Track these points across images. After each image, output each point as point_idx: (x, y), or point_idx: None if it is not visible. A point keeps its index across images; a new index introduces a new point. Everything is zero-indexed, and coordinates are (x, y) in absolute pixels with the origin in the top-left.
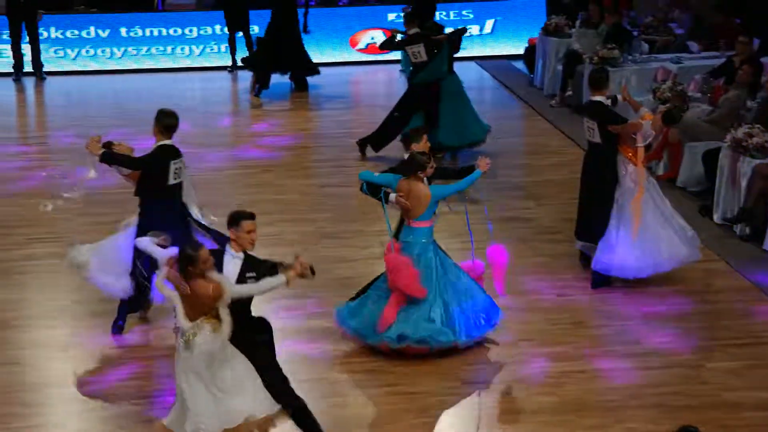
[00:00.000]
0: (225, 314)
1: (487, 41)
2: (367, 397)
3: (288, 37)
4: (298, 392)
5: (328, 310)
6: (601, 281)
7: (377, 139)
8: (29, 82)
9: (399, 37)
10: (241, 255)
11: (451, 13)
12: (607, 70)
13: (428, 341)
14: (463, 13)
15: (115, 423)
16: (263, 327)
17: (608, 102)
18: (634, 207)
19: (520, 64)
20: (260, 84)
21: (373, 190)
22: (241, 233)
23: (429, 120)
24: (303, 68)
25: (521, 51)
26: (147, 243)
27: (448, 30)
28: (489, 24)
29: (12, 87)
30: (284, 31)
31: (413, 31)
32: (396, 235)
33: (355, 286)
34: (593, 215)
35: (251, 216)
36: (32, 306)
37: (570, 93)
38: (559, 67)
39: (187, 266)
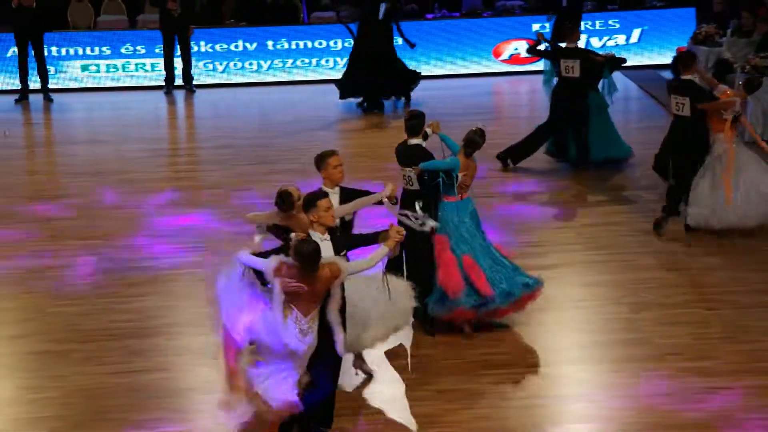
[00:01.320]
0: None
1: (633, 51)
2: (511, 408)
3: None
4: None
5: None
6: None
7: (518, 152)
8: (179, 95)
9: (544, 46)
10: (327, 236)
11: (597, 23)
12: (695, 52)
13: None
14: (610, 22)
15: (260, 430)
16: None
17: (696, 79)
18: (726, 175)
19: (667, 74)
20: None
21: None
22: (320, 213)
23: (579, 138)
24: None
25: (669, 60)
26: (247, 257)
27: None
28: (636, 33)
29: (164, 100)
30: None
31: (572, 45)
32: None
33: None
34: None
35: (324, 194)
36: (180, 313)
37: None
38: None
39: (310, 263)
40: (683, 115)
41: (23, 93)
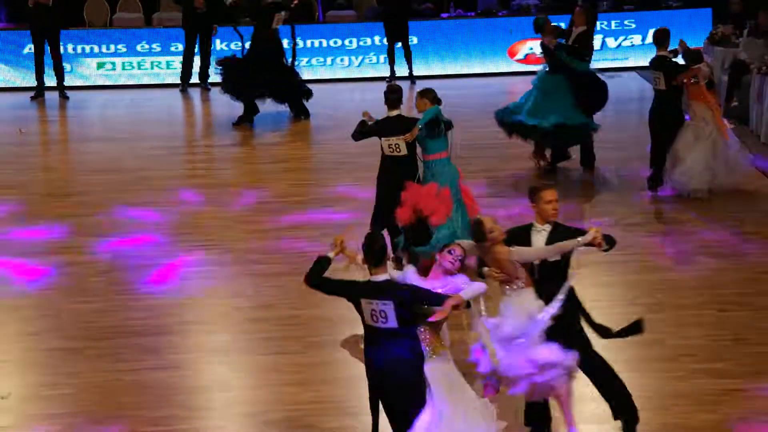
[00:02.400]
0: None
1: (649, 51)
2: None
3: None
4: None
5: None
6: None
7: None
8: (195, 93)
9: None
10: (547, 227)
11: (613, 23)
12: (668, 29)
13: None
14: (626, 22)
15: (274, 427)
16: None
17: (671, 56)
18: (719, 132)
19: None
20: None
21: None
22: (541, 205)
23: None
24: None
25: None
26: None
27: None
28: (652, 33)
29: (179, 97)
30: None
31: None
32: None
33: None
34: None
35: (549, 186)
36: (193, 311)
37: (736, 103)
38: (725, 77)
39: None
40: (660, 89)
41: (39, 90)
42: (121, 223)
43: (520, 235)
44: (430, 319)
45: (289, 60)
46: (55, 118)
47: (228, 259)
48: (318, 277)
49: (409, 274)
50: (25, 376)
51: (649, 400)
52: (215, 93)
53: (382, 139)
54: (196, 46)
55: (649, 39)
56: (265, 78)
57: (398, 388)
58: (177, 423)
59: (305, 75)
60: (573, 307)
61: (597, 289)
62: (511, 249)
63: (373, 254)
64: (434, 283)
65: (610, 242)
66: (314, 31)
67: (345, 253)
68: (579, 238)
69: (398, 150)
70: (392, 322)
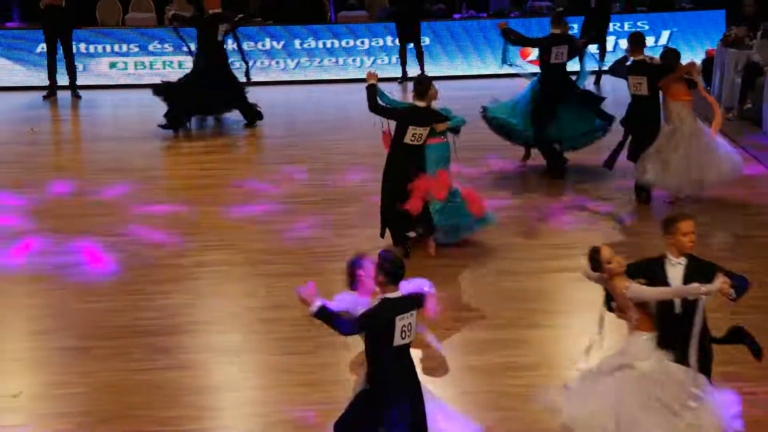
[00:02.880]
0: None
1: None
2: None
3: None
4: (463, 402)
5: (494, 322)
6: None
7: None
8: None
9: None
10: (683, 260)
11: (626, 24)
12: (642, 33)
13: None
14: (639, 24)
15: (284, 428)
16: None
17: (648, 59)
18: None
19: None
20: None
21: None
22: (678, 237)
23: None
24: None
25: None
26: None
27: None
28: (665, 35)
29: None
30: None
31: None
32: None
33: (522, 300)
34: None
35: (687, 217)
36: (204, 311)
37: (750, 105)
38: (738, 80)
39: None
40: (641, 94)
41: (51, 89)
42: (131, 223)
43: (651, 269)
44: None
45: (243, 75)
46: (67, 117)
47: (239, 259)
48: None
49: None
50: (35, 375)
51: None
52: None
53: (409, 127)
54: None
55: (663, 40)
56: (211, 96)
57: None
58: (187, 423)
59: (318, 75)
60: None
61: None
62: (629, 285)
63: (397, 273)
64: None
65: (738, 291)
66: (326, 31)
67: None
68: (703, 288)
69: (419, 140)
70: (414, 335)
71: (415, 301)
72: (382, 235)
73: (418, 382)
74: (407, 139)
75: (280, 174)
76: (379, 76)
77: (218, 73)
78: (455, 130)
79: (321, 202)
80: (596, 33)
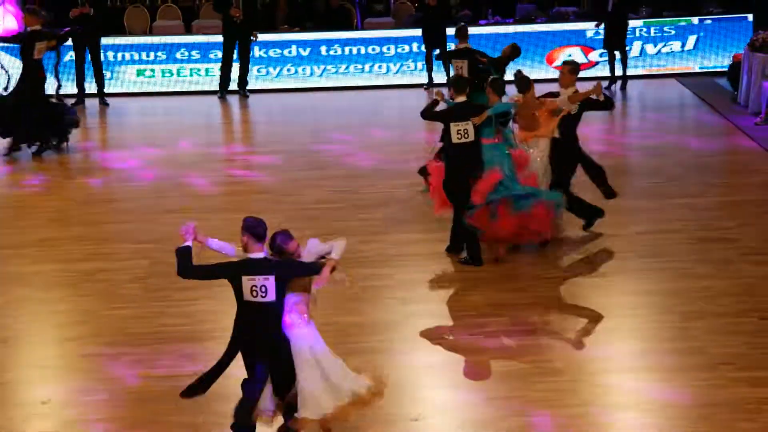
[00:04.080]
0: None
1: (689, 57)
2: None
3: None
4: (489, 408)
5: (520, 328)
6: None
7: None
8: (233, 100)
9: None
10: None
11: (652, 30)
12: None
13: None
14: (665, 29)
15: None
16: None
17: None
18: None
19: (723, 81)
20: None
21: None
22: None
23: None
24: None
25: (725, 68)
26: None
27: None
28: (691, 40)
29: (217, 104)
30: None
31: (463, 46)
32: None
33: (548, 306)
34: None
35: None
36: (231, 318)
37: None
38: (766, 84)
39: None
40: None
41: (80, 97)
42: (159, 230)
43: None
44: (315, 286)
45: (55, 92)
46: (95, 125)
47: None
48: (188, 267)
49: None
50: (63, 381)
51: (688, 409)
52: (254, 100)
53: (451, 125)
54: (235, 53)
55: (689, 45)
56: (29, 115)
57: (277, 352)
58: (215, 430)
59: (343, 82)
60: None
61: (635, 297)
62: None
63: (258, 232)
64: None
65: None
66: (352, 38)
67: (197, 239)
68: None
69: (467, 136)
70: (271, 296)
71: (278, 266)
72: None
73: (280, 345)
74: (455, 139)
75: (305, 180)
76: (404, 83)
77: (35, 95)
78: (503, 121)
79: (347, 209)
80: (615, 39)
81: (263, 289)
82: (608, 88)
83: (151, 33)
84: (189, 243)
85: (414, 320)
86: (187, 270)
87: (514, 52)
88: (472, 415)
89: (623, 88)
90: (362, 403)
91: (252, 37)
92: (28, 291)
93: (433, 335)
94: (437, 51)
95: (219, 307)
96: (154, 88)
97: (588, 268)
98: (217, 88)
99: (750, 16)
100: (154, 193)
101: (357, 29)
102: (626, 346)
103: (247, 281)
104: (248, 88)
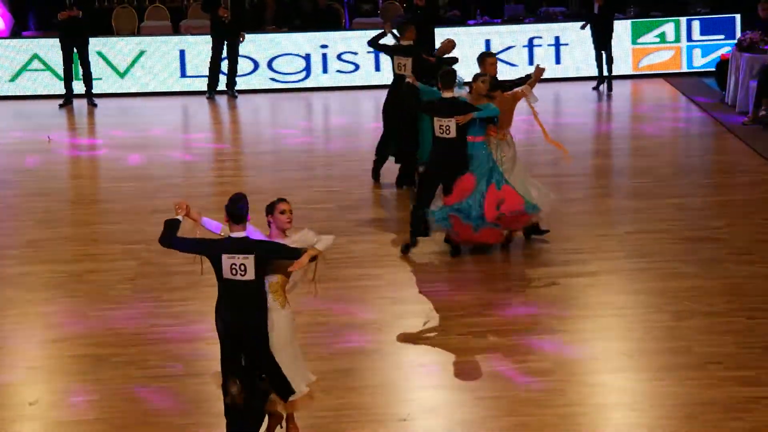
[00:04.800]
0: None
1: (676, 57)
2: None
3: None
4: (478, 408)
5: (508, 327)
6: None
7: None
8: (222, 100)
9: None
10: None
11: (640, 30)
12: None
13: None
14: (652, 29)
15: None
16: None
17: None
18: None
19: (711, 81)
20: None
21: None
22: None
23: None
24: None
25: (712, 67)
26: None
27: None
28: (679, 40)
29: (206, 105)
30: None
31: (408, 42)
32: None
33: (536, 305)
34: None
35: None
36: None
37: (765, 111)
38: (753, 84)
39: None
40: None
41: (67, 98)
42: (148, 231)
43: None
44: (290, 269)
45: None
46: (83, 126)
47: None
48: (171, 237)
49: (251, 231)
50: (52, 382)
51: (677, 408)
52: (242, 100)
53: (435, 119)
54: (223, 53)
55: (677, 45)
56: None
57: (257, 333)
58: (204, 430)
59: (332, 82)
60: None
61: (623, 296)
62: None
63: (234, 213)
64: (282, 240)
65: None
66: (340, 38)
67: (190, 215)
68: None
69: (448, 132)
70: (250, 275)
71: (263, 247)
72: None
73: (256, 323)
74: (437, 132)
75: (295, 180)
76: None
77: None
78: (490, 121)
79: (336, 209)
80: (602, 39)
81: (242, 267)
82: (596, 88)
83: (139, 33)
84: (179, 217)
85: (403, 320)
86: (169, 240)
87: (449, 46)
88: (461, 416)
89: (609, 88)
90: (310, 397)
91: (240, 38)
92: (16, 292)
93: (423, 335)
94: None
95: (208, 307)
96: (143, 88)
97: (577, 268)
98: (205, 88)
99: (737, 16)
100: (142, 194)
101: (345, 29)
102: (615, 346)
103: (226, 259)
104: (236, 88)
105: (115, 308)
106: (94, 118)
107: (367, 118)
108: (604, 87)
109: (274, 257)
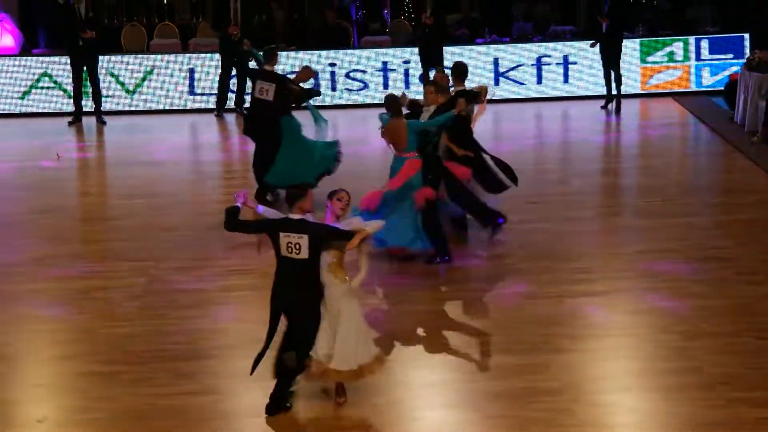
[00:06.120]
0: None
1: (685, 77)
2: None
3: None
4: (486, 427)
5: (516, 347)
6: None
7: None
8: (230, 118)
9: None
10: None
11: (649, 49)
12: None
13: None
14: (661, 49)
15: None
16: None
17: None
18: None
19: (720, 100)
20: None
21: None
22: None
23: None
24: None
25: (722, 87)
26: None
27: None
28: (688, 59)
29: (214, 122)
30: None
31: (270, 68)
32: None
33: (544, 324)
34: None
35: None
36: (228, 336)
37: None
38: (762, 103)
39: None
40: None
41: (77, 115)
42: (156, 248)
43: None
44: (346, 249)
45: None
46: (92, 143)
47: (262, 283)
48: (235, 222)
49: (309, 217)
50: (59, 400)
51: (685, 428)
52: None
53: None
54: (232, 71)
55: (686, 65)
56: None
57: (303, 307)
58: None
59: (340, 100)
60: None
61: (631, 316)
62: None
63: (288, 196)
64: (336, 224)
65: None
66: (349, 56)
67: (247, 203)
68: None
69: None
70: (304, 254)
71: (317, 229)
72: None
73: (308, 299)
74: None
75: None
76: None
77: None
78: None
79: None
80: (610, 58)
81: (297, 246)
82: (605, 107)
83: (148, 51)
84: (239, 204)
85: (409, 339)
86: (233, 224)
87: (307, 75)
88: None
89: (618, 107)
90: (370, 371)
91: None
92: (24, 309)
93: (430, 354)
94: (433, 70)
95: (216, 325)
96: (152, 106)
97: (585, 287)
98: (214, 106)
99: (746, 36)
100: (150, 211)
101: (354, 47)
102: (623, 366)
103: (283, 238)
104: (245, 106)
105: (123, 325)
106: (104, 135)
107: (375, 136)
108: (612, 106)
109: (325, 236)
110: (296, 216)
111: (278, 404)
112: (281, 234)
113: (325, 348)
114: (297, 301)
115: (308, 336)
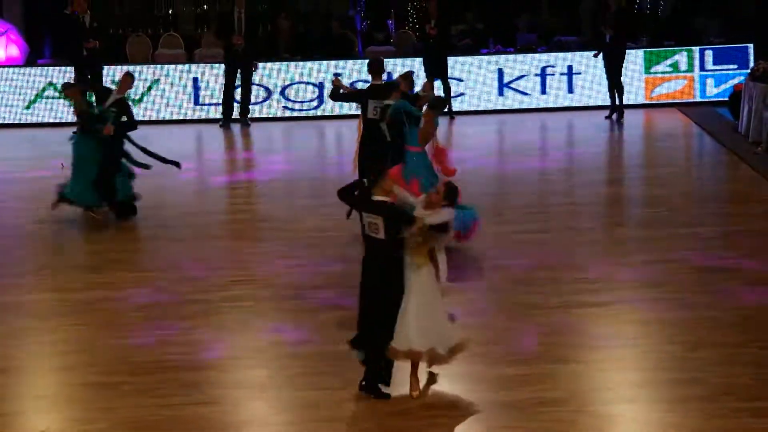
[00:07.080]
0: None
1: (689, 87)
2: None
3: None
4: None
5: (520, 357)
6: None
7: None
8: (235, 128)
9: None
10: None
11: (653, 59)
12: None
13: None
14: (665, 59)
15: None
16: None
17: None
18: None
19: (724, 111)
20: None
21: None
22: None
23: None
24: None
25: (726, 97)
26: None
27: None
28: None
29: (219, 133)
30: None
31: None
32: None
33: (548, 334)
34: None
35: None
36: (231, 346)
37: None
38: (767, 114)
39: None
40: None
41: None
42: (160, 258)
43: None
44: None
45: None
46: None
47: (266, 293)
48: (346, 192)
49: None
50: (62, 411)
51: None
52: (255, 128)
53: (370, 101)
54: (237, 81)
55: (690, 75)
56: None
57: (381, 287)
58: None
59: (344, 110)
60: None
61: (636, 326)
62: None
63: (372, 181)
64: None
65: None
66: (353, 66)
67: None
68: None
69: (375, 114)
70: (381, 234)
71: (385, 209)
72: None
73: (386, 278)
74: (370, 114)
75: (305, 209)
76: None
77: None
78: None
79: (346, 237)
80: (613, 68)
81: (375, 226)
82: (609, 116)
83: (153, 61)
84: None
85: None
86: (344, 195)
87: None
88: None
89: (620, 117)
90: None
91: (252, 68)
92: (27, 320)
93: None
94: (438, 80)
95: (221, 335)
96: (157, 116)
97: (589, 297)
98: (219, 116)
99: (751, 46)
100: (155, 221)
101: (358, 57)
102: (627, 376)
103: (365, 218)
104: (250, 116)
105: (127, 336)
106: None
107: None
108: (615, 115)
109: (389, 218)
110: (379, 197)
111: (370, 384)
112: (364, 213)
113: (405, 330)
114: (377, 281)
115: (387, 316)
